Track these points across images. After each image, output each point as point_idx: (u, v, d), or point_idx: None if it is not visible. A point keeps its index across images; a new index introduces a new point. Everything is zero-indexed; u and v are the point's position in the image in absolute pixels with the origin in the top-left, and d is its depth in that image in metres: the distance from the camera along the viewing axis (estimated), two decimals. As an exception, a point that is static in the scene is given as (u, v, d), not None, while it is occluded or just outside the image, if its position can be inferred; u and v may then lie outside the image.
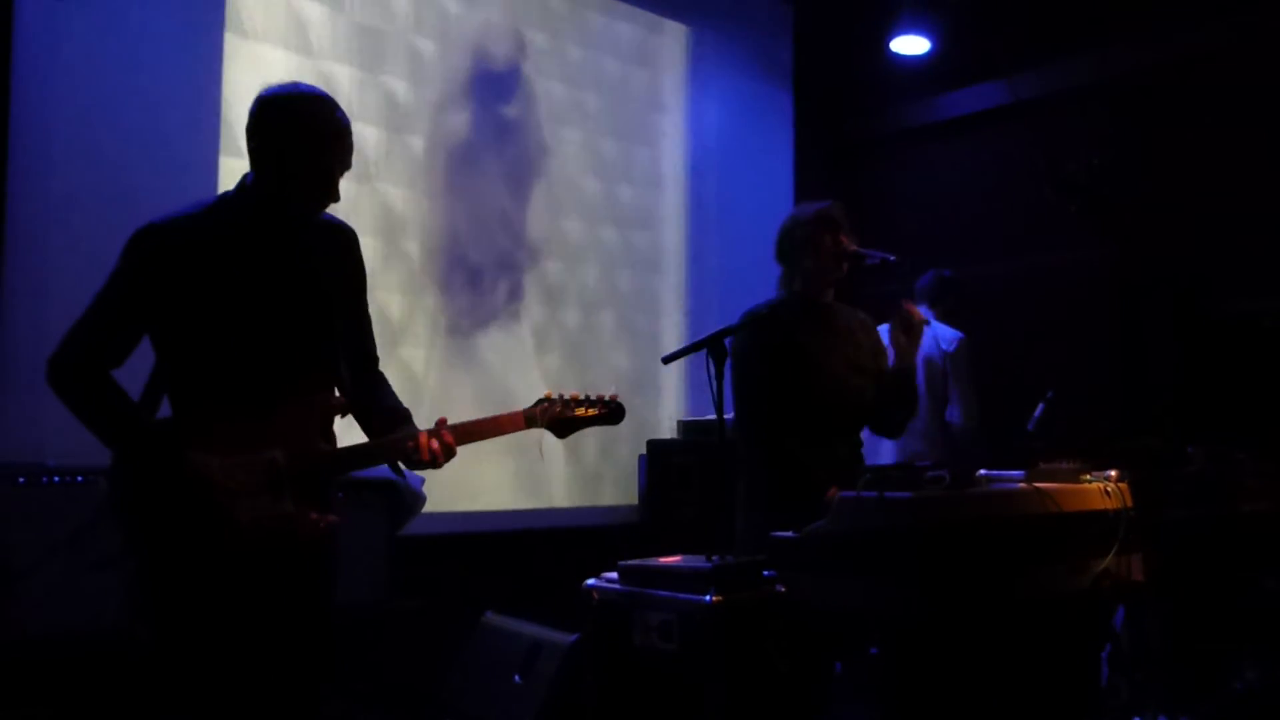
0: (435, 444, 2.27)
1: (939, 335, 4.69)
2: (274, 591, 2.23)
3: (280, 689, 2.27)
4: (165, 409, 2.31)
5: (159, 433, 2.21)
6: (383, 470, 2.42)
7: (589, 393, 2.45)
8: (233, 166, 4.16)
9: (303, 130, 2.18)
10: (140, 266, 2.17)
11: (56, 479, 3.34)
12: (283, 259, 2.25)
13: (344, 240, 2.37)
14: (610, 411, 2.46)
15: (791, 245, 3.22)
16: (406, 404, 2.43)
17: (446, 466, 2.32)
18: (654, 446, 5.29)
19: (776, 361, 3.10)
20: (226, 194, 2.28)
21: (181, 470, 2.14)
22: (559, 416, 2.42)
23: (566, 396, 2.42)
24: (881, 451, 4.56)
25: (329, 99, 2.23)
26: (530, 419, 2.40)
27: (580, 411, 2.43)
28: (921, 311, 4.75)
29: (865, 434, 3.39)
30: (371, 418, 2.41)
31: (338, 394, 2.37)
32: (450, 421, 2.34)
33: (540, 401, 2.43)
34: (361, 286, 2.42)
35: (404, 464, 2.30)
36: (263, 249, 2.23)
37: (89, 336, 2.19)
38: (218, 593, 2.18)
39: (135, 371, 2.29)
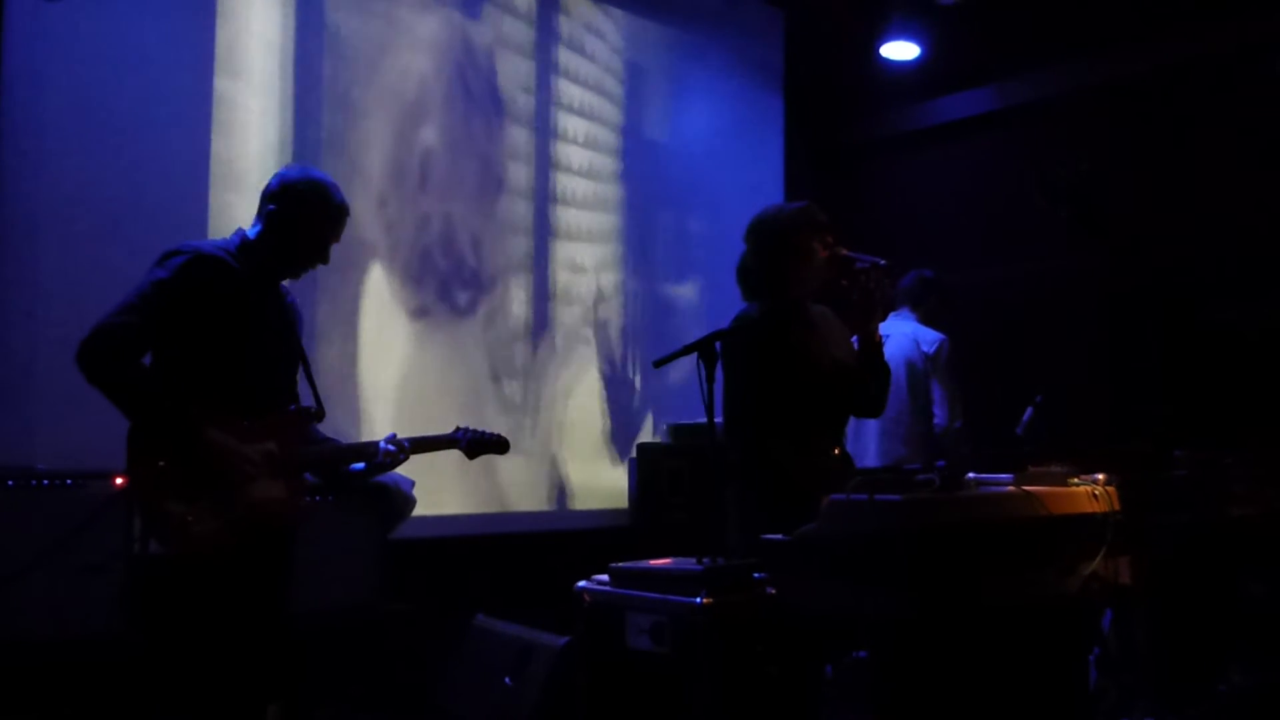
0: (392, 448, 2.86)
1: (919, 337, 4.68)
2: (261, 566, 2.64)
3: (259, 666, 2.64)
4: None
5: (187, 412, 2.53)
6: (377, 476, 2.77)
7: (486, 430, 3.16)
8: (225, 158, 4.18)
9: (314, 213, 2.75)
10: (188, 284, 2.56)
11: (45, 483, 3.32)
12: (275, 303, 2.80)
13: (296, 308, 2.92)
14: (500, 444, 3.14)
15: (782, 249, 3.20)
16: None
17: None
18: (644, 450, 5.30)
19: (768, 364, 3.11)
20: (231, 241, 2.74)
21: (211, 441, 2.52)
22: (470, 441, 3.10)
23: (472, 429, 3.13)
24: (866, 455, 4.56)
25: (334, 185, 2.80)
26: (452, 440, 3.09)
27: (481, 440, 3.12)
28: (903, 314, 4.81)
29: (849, 438, 3.40)
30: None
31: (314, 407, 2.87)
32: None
33: (458, 429, 3.11)
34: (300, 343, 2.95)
35: (365, 462, 2.86)
36: (264, 293, 2.76)
37: (131, 321, 2.50)
38: (223, 558, 2.52)
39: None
